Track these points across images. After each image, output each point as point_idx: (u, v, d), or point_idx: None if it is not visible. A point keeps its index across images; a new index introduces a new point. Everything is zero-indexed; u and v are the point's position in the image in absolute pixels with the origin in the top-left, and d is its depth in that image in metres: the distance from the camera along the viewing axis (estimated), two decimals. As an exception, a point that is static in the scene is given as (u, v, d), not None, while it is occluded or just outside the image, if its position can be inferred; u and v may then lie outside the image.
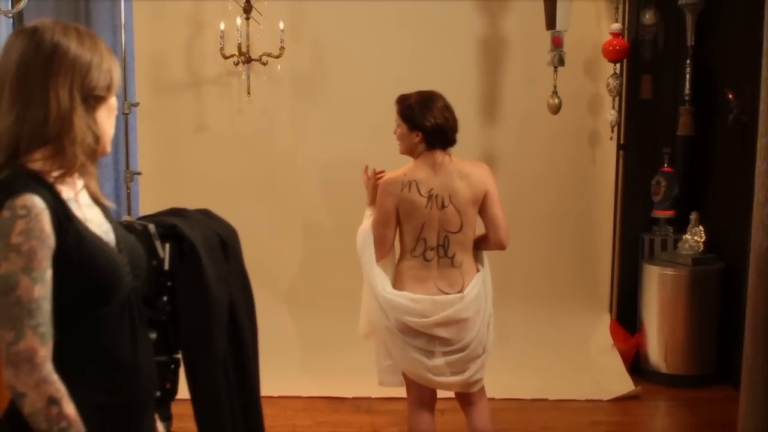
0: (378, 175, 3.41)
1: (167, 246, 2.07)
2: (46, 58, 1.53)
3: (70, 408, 1.49)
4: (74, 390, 1.50)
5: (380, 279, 3.19)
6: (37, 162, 1.54)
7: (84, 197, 1.63)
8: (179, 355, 2.18)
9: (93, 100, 1.58)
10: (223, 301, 2.16)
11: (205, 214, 2.27)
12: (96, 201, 1.67)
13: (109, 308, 1.59)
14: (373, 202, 3.38)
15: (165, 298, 2.08)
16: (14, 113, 1.52)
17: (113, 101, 1.64)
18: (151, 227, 2.04)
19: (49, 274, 1.48)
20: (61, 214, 1.52)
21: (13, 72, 1.53)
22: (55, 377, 1.48)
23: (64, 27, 1.57)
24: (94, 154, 1.59)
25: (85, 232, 1.56)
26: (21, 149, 1.53)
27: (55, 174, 1.55)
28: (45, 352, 1.47)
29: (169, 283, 2.08)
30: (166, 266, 2.07)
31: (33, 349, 1.45)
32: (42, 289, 1.46)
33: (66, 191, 1.57)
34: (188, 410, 2.22)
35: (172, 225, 2.09)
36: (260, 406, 2.37)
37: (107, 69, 1.60)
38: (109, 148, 1.65)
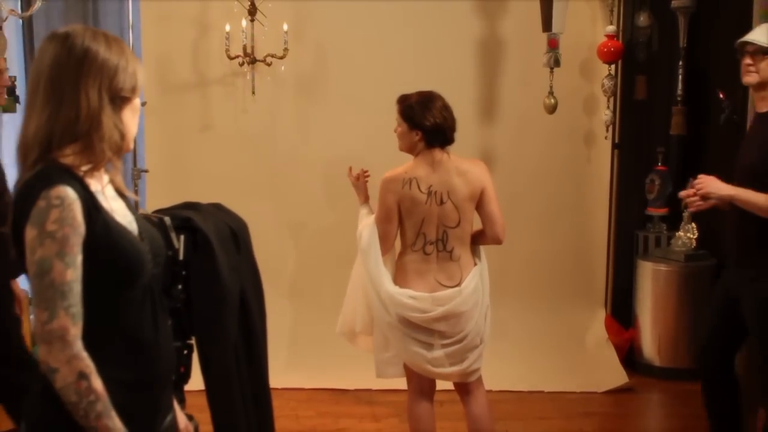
0: (364, 174, 3.51)
1: (182, 237, 2.16)
2: (77, 61, 1.64)
3: (98, 383, 1.59)
4: (101, 366, 1.61)
5: (383, 275, 3.26)
6: (68, 157, 1.65)
7: (109, 190, 1.74)
8: (192, 341, 2.29)
9: (119, 100, 1.70)
10: (235, 290, 2.26)
11: (218, 208, 2.37)
12: (120, 194, 1.78)
13: (133, 292, 1.70)
14: (365, 201, 3.48)
15: (180, 287, 2.17)
16: (47, 112, 1.63)
17: (137, 102, 1.76)
18: (167, 219, 2.14)
19: (79, 259, 1.59)
20: (91, 205, 1.63)
21: (47, 74, 1.64)
22: (84, 354, 1.58)
23: (93, 33, 1.68)
24: (119, 150, 1.71)
25: (111, 222, 1.67)
26: (53, 145, 1.64)
27: (84, 168, 1.66)
28: (76, 331, 1.57)
29: (183, 273, 2.18)
30: (181, 256, 2.17)
31: (65, 328, 1.56)
32: (73, 273, 1.57)
33: (94, 184, 1.68)
34: (201, 401, 2.34)
35: (187, 217, 2.19)
36: (269, 391, 2.47)
37: (132, 72, 1.72)
38: (131, 145, 1.76)
